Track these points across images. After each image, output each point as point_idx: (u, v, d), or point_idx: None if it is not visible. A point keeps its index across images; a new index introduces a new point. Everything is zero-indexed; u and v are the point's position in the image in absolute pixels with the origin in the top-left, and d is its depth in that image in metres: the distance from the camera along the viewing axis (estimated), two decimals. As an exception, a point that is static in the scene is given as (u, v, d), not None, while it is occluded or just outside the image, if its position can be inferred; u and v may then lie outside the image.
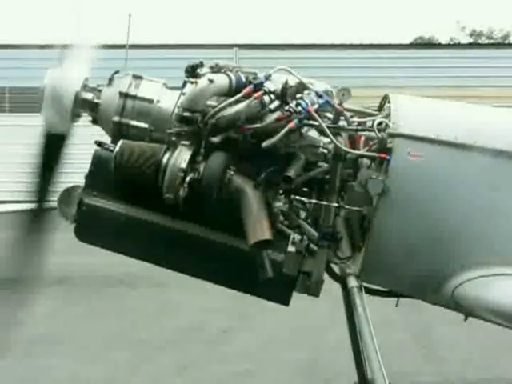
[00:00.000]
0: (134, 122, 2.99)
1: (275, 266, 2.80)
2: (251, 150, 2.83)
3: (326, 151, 2.91)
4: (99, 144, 3.01)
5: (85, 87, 3.04)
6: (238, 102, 2.79)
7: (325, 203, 2.86)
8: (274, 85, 2.82)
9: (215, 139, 2.81)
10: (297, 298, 3.05)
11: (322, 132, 2.86)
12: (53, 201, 3.01)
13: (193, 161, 2.80)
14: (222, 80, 2.82)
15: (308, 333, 6.68)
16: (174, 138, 2.85)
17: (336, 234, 2.90)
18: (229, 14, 51.33)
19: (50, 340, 6.36)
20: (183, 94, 2.91)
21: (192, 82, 2.85)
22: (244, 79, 2.86)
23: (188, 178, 2.76)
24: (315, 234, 2.91)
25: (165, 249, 3.05)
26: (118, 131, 3.01)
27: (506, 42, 32.17)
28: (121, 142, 2.89)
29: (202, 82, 2.81)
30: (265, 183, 2.81)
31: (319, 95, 2.84)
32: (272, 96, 2.80)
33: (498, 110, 3.42)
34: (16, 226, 3.04)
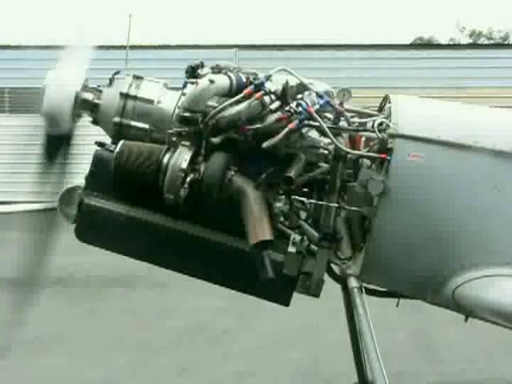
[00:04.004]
0: (134, 123, 3.00)
1: (276, 267, 2.80)
2: (252, 150, 2.83)
3: (326, 152, 2.92)
4: (100, 144, 3.01)
5: (85, 88, 3.05)
6: (238, 102, 2.79)
7: (325, 203, 2.86)
8: (274, 85, 2.83)
9: (216, 140, 2.81)
10: (297, 298, 3.05)
11: (322, 132, 2.86)
12: (54, 201, 3.02)
13: (193, 161, 2.80)
14: (222, 80, 2.83)
15: (308, 333, 6.68)
16: (174, 139, 2.85)
17: (336, 234, 2.90)
18: (229, 14, 51.34)
19: (50, 340, 6.35)
20: (184, 94, 2.91)
21: (192, 83, 2.86)
22: (244, 80, 2.86)
23: (188, 179, 2.76)
24: (315, 234, 2.91)
25: (165, 249, 3.05)
26: (119, 132, 3.01)
27: (506, 42, 32.19)
28: (121, 142, 2.89)
29: (203, 83, 2.81)
30: (265, 184, 2.81)
31: (320, 96, 2.84)
32: (272, 96, 2.80)
33: (498, 110, 3.42)
34: (17, 227, 3.04)
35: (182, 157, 2.79)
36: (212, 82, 2.80)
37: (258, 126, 2.79)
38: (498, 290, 2.76)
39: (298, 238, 2.89)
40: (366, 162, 2.92)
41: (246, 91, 2.80)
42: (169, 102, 2.99)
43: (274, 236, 2.77)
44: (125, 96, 2.99)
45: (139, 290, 8.39)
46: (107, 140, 3.06)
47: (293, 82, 2.86)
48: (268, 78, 2.84)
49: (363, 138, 2.99)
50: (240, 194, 2.79)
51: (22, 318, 3.03)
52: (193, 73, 2.92)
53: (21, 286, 3.02)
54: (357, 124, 3.01)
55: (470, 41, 33.38)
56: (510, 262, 2.80)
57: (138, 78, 3.05)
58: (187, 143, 2.83)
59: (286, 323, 6.56)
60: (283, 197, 2.98)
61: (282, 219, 3.00)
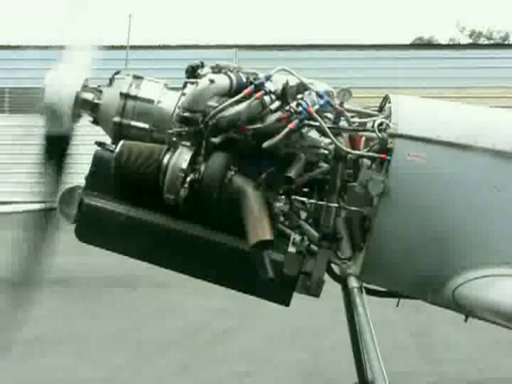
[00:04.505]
0: (134, 123, 2.99)
1: (276, 267, 2.80)
2: (252, 150, 2.83)
3: (326, 152, 2.92)
4: (100, 144, 3.01)
5: (85, 88, 3.04)
6: (238, 102, 2.79)
7: (325, 203, 2.86)
8: (274, 85, 2.82)
9: (216, 140, 2.81)
10: (297, 298, 3.05)
11: (322, 132, 2.86)
12: (54, 201, 3.02)
13: (193, 161, 2.80)
14: (222, 80, 2.83)
15: (308, 333, 6.69)
16: (174, 139, 2.85)
17: (336, 234, 2.90)
18: (229, 14, 51.34)
19: (50, 340, 6.36)
20: (184, 94, 2.91)
21: (193, 83, 2.86)
22: (245, 80, 2.86)
23: (189, 179, 2.76)
24: (316, 234, 2.91)
25: (165, 249, 3.05)
26: (119, 132, 3.01)
27: (506, 42, 32.21)
28: (121, 142, 2.89)
29: (203, 83, 2.81)
30: (265, 183, 2.81)
31: (320, 95, 2.84)
32: (273, 96, 2.80)
33: (498, 110, 3.42)
34: (17, 227, 3.04)
35: (182, 157, 2.79)
36: (212, 81, 2.80)
37: (258, 125, 2.79)
38: (498, 290, 2.76)
39: (298, 237, 2.88)
40: (366, 162, 2.91)
41: (246, 91, 2.79)
42: (169, 101, 2.99)
43: (274, 236, 2.77)
44: (125, 96, 2.99)
45: (139, 290, 8.40)
46: (107, 140, 3.06)
47: (293, 82, 2.86)
48: (268, 78, 2.84)
49: (363, 138, 2.98)
50: (240, 193, 2.79)
51: (21, 318, 3.02)
52: (193, 73, 2.92)
53: (18, 286, 3.02)
54: (357, 124, 3.00)
55: (470, 41, 33.41)
56: (510, 261, 2.80)
57: (137, 78, 3.04)
58: (187, 143, 2.83)
59: (286, 323, 6.56)
60: (283, 197, 2.97)
61: (282, 219, 3.00)
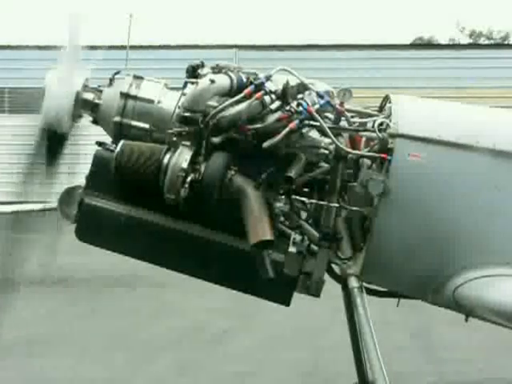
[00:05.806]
0: (134, 123, 3.00)
1: (276, 267, 2.80)
2: (252, 150, 2.83)
3: (326, 152, 2.92)
4: (100, 144, 3.01)
5: (85, 88, 3.05)
6: (238, 102, 2.79)
7: (326, 203, 2.86)
8: (274, 85, 2.83)
9: (216, 139, 2.81)
10: (297, 298, 3.05)
11: (322, 132, 2.86)
12: (53, 201, 3.02)
13: (194, 161, 2.80)
14: (222, 80, 2.83)
15: (308, 333, 6.69)
16: (174, 139, 2.85)
17: (337, 234, 2.90)
18: (229, 14, 51.33)
19: (49, 340, 6.36)
20: (184, 94, 2.92)
21: (193, 83, 2.86)
22: (245, 79, 2.86)
23: (189, 179, 2.76)
24: (316, 234, 2.91)
25: (165, 249, 3.05)
26: (119, 131, 3.01)
27: (506, 42, 32.21)
28: (122, 142, 2.89)
29: (203, 83, 2.82)
30: (266, 183, 2.81)
31: (320, 95, 2.84)
32: (273, 96, 2.80)
33: (498, 110, 3.42)
34: (11, 227, 3.04)
35: (182, 157, 2.79)
36: (212, 81, 2.81)
37: (258, 125, 2.79)
38: (498, 290, 2.76)
39: (298, 237, 2.88)
40: (367, 161, 2.91)
41: (246, 91, 2.80)
42: (169, 101, 3.00)
43: (275, 236, 2.77)
44: (125, 96, 3.00)
45: (139, 290, 8.39)
46: (108, 140, 3.06)
47: (293, 82, 2.86)
48: (268, 77, 2.84)
49: (364, 138, 2.98)
50: (240, 193, 2.79)
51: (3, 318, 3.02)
52: (193, 73, 2.93)
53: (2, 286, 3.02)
54: (357, 124, 3.00)
55: (470, 41, 33.40)
56: (510, 261, 2.80)
57: (138, 77, 3.05)
58: (187, 143, 2.83)
59: (286, 323, 6.56)
60: (283, 197, 2.97)
61: (282, 219, 3.00)
